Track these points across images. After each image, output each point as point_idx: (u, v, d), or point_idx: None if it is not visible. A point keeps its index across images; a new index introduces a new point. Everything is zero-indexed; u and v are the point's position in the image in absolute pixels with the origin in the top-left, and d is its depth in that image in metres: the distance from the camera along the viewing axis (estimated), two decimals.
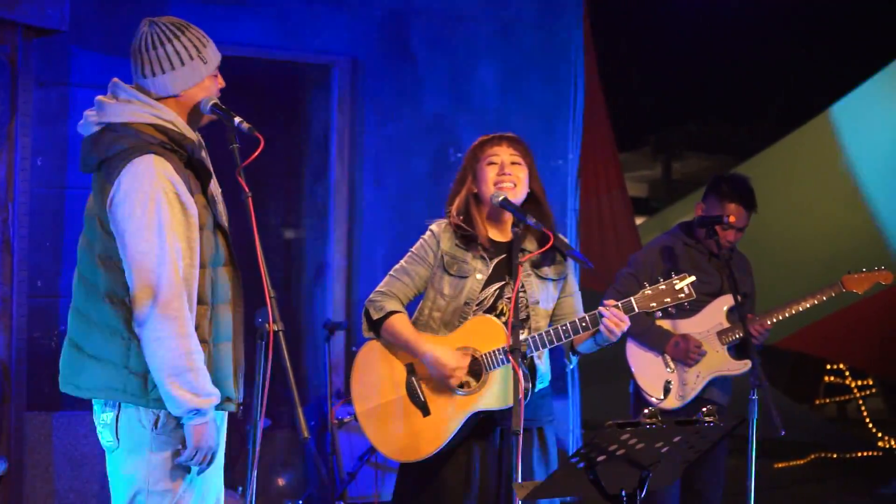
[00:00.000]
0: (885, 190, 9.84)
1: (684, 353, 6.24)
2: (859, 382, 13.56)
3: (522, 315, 4.88)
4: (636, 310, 4.73)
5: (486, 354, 4.78)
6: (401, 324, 4.91)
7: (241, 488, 6.83)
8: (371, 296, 5.01)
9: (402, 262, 5.04)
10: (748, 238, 6.46)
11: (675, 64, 14.62)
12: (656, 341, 6.32)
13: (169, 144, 4.10)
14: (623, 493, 4.09)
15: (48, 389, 5.90)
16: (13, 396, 6.40)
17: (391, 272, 5.04)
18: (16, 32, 6.42)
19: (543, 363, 4.95)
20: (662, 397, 6.26)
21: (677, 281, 4.73)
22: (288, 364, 4.04)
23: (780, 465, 11.18)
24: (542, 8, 8.54)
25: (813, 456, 11.64)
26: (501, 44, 8.41)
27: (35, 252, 6.68)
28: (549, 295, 4.95)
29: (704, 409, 4.05)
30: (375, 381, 4.92)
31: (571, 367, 5.07)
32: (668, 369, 6.31)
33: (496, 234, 4.97)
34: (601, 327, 4.69)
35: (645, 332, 6.35)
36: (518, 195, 4.88)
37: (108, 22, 7.07)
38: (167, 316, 3.96)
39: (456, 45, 8.28)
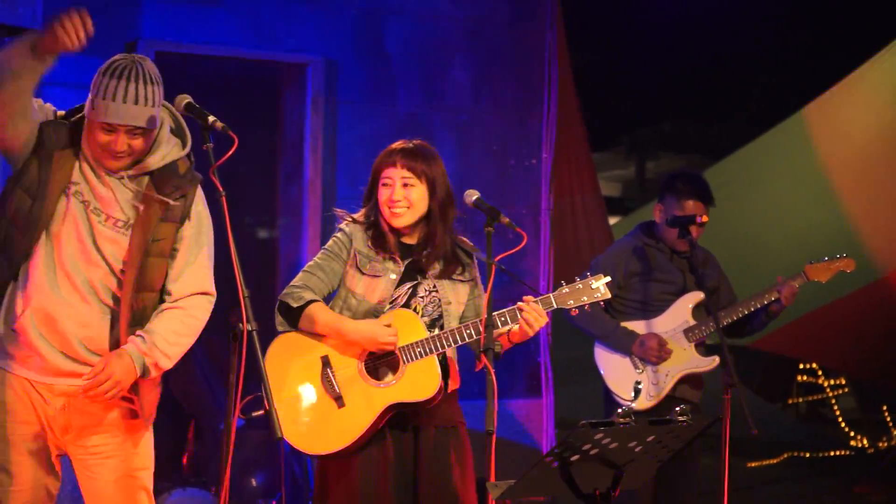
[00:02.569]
0: (859, 190, 9.87)
1: (650, 353, 6.28)
2: (832, 382, 13.60)
3: (435, 314, 4.94)
4: (554, 306, 4.79)
5: (404, 347, 4.79)
6: (322, 309, 4.90)
7: (214, 488, 6.82)
8: (285, 290, 4.98)
9: (315, 258, 5.04)
10: (722, 237, 6.48)
11: (649, 64, 14.66)
12: (622, 343, 6.36)
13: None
14: (596, 493, 4.10)
15: None
16: None
17: (305, 268, 5.03)
18: None
19: (455, 364, 4.98)
20: (633, 398, 6.28)
21: (593, 280, 4.81)
22: (262, 363, 4.04)
23: (752, 465, 11.21)
24: (516, 7, 8.54)
25: (786, 455, 11.68)
26: (475, 43, 8.41)
27: None
28: (460, 296, 4.99)
29: (678, 409, 4.07)
30: (290, 373, 4.89)
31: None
32: (637, 370, 6.34)
33: (406, 238, 5.00)
34: (520, 322, 4.73)
35: (610, 334, 6.38)
36: (411, 218, 4.93)
37: None
38: None
39: (430, 45, 8.28)
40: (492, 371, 4.43)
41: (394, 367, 4.81)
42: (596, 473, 4.05)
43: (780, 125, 10.49)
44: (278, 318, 4.98)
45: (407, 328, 4.82)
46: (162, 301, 4.51)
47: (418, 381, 4.78)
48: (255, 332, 4.01)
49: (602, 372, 6.44)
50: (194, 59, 7.64)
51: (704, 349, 6.38)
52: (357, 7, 8.04)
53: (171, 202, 4.43)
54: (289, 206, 8.24)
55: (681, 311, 6.37)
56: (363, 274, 4.93)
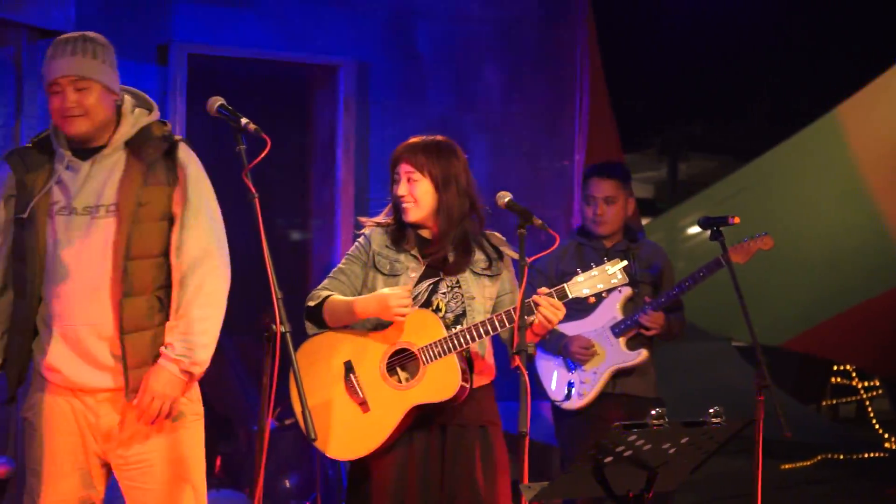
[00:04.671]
0: (892, 189, 9.83)
1: (574, 354, 6.34)
2: (866, 384, 13.54)
3: (459, 310, 4.93)
4: (570, 296, 4.77)
5: (423, 348, 4.79)
6: (338, 299, 4.91)
7: (248, 489, 6.83)
8: (309, 294, 5.02)
9: (339, 264, 5.07)
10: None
11: (681, 64, 14.60)
12: (552, 345, 6.43)
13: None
14: (630, 495, 4.09)
15: None
16: (19, 398, 6.39)
17: (329, 274, 5.07)
18: (20, 34, 6.43)
19: (487, 359, 4.99)
20: (564, 398, 6.36)
21: (609, 266, 4.78)
22: (296, 365, 4.05)
23: (786, 467, 11.17)
24: (547, 8, 8.54)
25: (819, 457, 11.63)
26: (506, 44, 8.41)
27: None
28: (485, 291, 4.98)
29: (711, 410, 4.04)
30: (314, 380, 4.88)
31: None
32: (570, 371, 6.40)
33: (425, 234, 5.02)
34: (538, 316, 4.72)
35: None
36: (420, 213, 4.95)
37: (113, 23, 7.07)
38: None
39: (460, 46, 8.29)
40: (524, 373, 4.42)
41: (415, 368, 4.82)
42: (629, 475, 4.04)
43: (812, 125, 10.44)
44: (307, 324, 5.01)
45: (425, 328, 4.82)
46: (167, 271, 4.50)
47: (439, 382, 4.78)
48: (288, 334, 4.02)
49: (539, 373, 6.50)
50: (226, 62, 7.67)
51: (637, 343, 6.39)
52: (387, 9, 8.05)
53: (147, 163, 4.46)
54: (321, 208, 8.26)
55: (610, 308, 6.41)
56: (383, 274, 4.95)
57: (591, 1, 8.68)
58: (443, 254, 4.95)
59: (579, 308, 6.39)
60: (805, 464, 11.41)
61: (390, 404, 4.81)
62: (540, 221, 4.72)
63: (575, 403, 6.36)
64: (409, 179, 4.94)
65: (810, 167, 10.38)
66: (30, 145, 4.51)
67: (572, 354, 6.36)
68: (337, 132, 7.97)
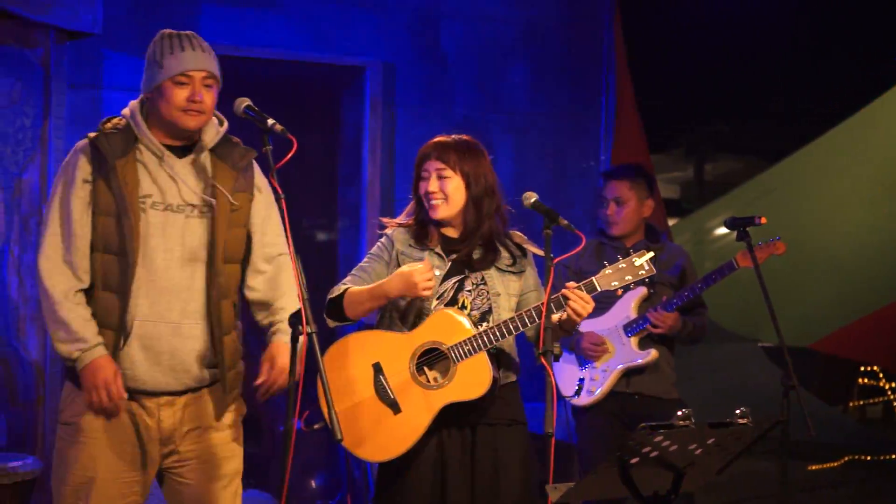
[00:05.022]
0: None
1: (585, 350, 6.39)
2: (893, 385, 13.47)
3: (485, 307, 4.92)
4: (598, 289, 4.76)
5: (452, 346, 4.78)
6: (359, 288, 4.90)
7: (274, 489, 6.84)
8: (329, 291, 5.02)
9: (361, 263, 5.07)
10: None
11: (709, 64, 14.57)
12: (565, 340, 6.41)
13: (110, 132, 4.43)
14: (656, 496, 4.08)
15: None
16: (46, 399, 6.43)
17: (351, 272, 5.05)
18: (48, 35, 6.45)
19: (513, 357, 4.99)
20: (573, 394, 6.41)
21: (636, 258, 4.78)
22: (322, 365, 4.05)
23: (813, 468, 11.12)
24: (573, 8, 8.53)
25: (847, 458, 11.57)
26: (531, 45, 8.40)
27: None
28: (510, 287, 4.97)
29: (738, 411, 4.03)
30: (343, 383, 4.88)
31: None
32: (581, 367, 6.41)
33: (449, 232, 5.01)
34: (567, 311, 4.71)
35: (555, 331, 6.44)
36: (449, 210, 4.94)
37: (140, 25, 7.09)
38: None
39: (485, 47, 8.29)
40: (551, 373, 4.42)
41: (445, 367, 4.81)
42: (656, 476, 4.03)
43: (840, 125, 10.43)
44: (327, 318, 4.98)
45: (453, 326, 4.82)
46: (243, 272, 4.61)
47: (471, 379, 4.77)
48: (314, 334, 4.02)
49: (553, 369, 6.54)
50: (252, 63, 7.68)
51: (649, 343, 6.39)
52: (413, 10, 8.06)
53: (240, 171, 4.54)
54: (347, 209, 8.27)
55: (624, 307, 6.44)
56: None
57: (618, 1, 8.66)
58: (468, 251, 4.94)
59: (601, 305, 6.41)
60: (832, 465, 11.36)
61: (421, 405, 4.80)
62: (566, 222, 4.71)
63: (584, 400, 6.38)
64: (439, 176, 4.93)
65: (838, 168, 10.36)
66: (113, 131, 4.44)
67: (584, 351, 6.39)
68: (363, 133, 7.98)
